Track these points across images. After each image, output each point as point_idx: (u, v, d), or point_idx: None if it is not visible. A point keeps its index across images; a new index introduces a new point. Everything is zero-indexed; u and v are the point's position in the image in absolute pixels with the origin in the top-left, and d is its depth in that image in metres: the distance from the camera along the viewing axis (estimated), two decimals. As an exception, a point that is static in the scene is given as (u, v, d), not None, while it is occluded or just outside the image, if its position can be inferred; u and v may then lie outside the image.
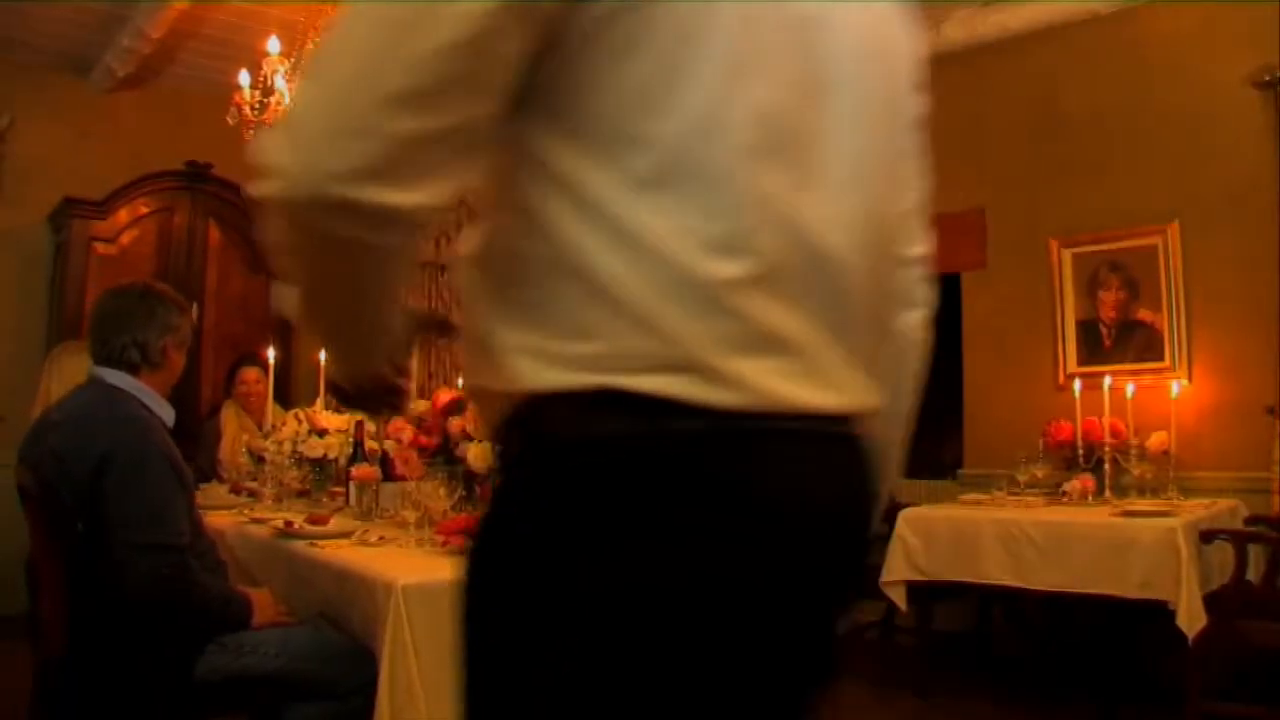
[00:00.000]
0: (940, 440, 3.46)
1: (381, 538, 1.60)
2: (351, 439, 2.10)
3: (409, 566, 1.34)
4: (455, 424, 1.69)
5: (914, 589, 2.36)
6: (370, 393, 0.64)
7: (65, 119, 3.44)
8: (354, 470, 1.95)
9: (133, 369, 1.45)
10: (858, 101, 0.56)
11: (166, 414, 1.47)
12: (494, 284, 0.51)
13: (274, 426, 2.26)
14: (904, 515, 2.38)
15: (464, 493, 1.62)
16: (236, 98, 2.54)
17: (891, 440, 0.70)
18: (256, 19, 3.13)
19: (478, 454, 1.63)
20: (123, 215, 3.32)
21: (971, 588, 2.35)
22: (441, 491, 1.58)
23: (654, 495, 0.48)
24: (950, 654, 2.68)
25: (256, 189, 0.45)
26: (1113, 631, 2.35)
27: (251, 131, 2.50)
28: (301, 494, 2.23)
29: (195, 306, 3.44)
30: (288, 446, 2.20)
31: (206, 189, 3.52)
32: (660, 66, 0.48)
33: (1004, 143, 2.99)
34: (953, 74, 3.10)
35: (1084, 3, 2.76)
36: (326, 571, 1.46)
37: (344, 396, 0.67)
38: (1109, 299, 2.75)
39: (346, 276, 0.50)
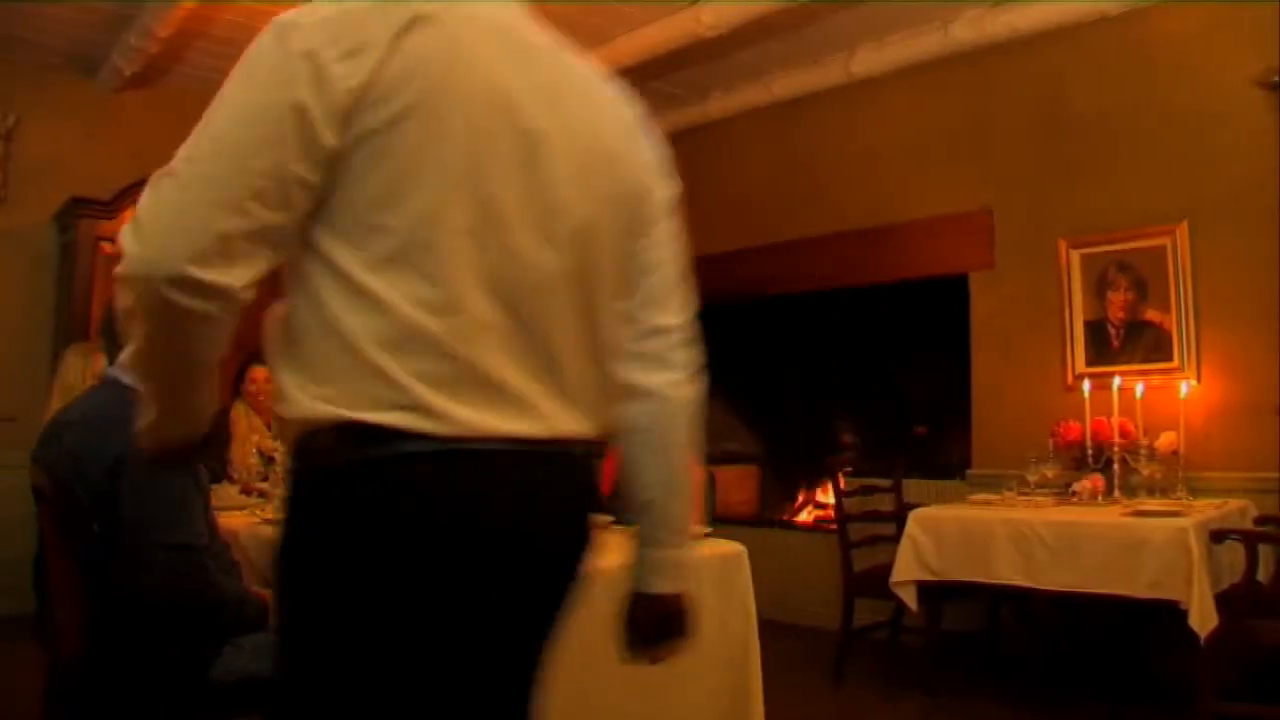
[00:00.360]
0: (946, 441, 3.47)
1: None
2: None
3: None
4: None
5: (923, 589, 2.36)
6: (175, 451, 0.80)
7: (71, 119, 3.44)
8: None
9: None
10: (575, 200, 0.73)
11: None
12: (284, 340, 0.70)
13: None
14: (914, 515, 2.38)
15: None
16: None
17: (669, 484, 0.86)
18: (265, 19, 3.10)
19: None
20: (130, 215, 3.30)
21: (982, 588, 2.35)
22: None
23: (377, 504, 0.66)
24: (959, 654, 2.68)
25: (119, 268, 0.64)
26: (1122, 632, 2.35)
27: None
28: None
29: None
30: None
31: (213, 189, 3.50)
32: (399, 172, 0.66)
33: (1012, 143, 2.99)
34: (961, 74, 3.11)
35: (1092, 3, 2.75)
36: None
37: (154, 457, 0.80)
38: (1117, 299, 2.75)
39: (178, 337, 0.67)
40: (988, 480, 2.86)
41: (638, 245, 0.81)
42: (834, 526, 3.67)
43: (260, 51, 0.68)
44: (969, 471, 3.02)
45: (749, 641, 1.68)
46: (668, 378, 0.83)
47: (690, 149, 3.92)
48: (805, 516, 3.90)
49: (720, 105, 3.71)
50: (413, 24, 0.67)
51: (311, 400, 0.67)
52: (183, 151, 0.68)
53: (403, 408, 0.65)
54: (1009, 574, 2.20)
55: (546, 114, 0.72)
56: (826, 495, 3.92)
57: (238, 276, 0.64)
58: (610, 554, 1.53)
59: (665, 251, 0.85)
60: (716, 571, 1.66)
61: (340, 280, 0.66)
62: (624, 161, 0.80)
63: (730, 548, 1.71)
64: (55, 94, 3.43)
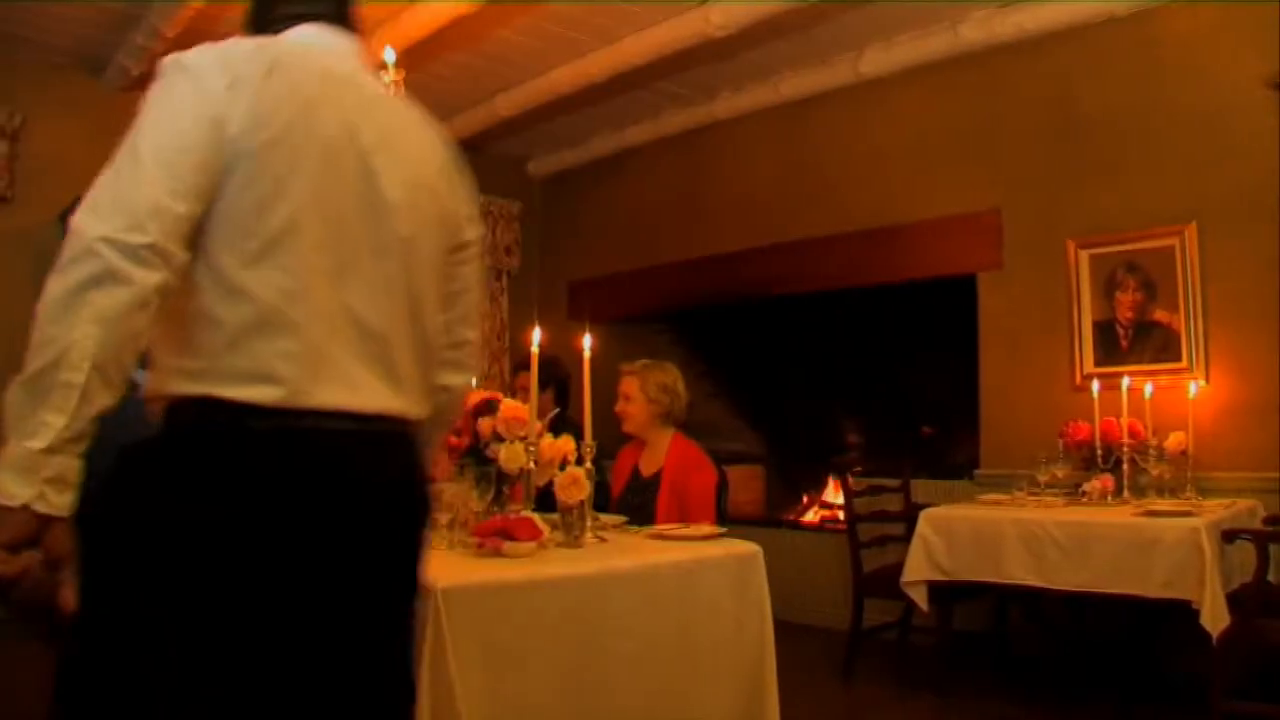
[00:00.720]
0: (953, 441, 3.47)
1: (414, 539, 1.60)
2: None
3: (446, 569, 1.33)
4: (485, 424, 1.69)
5: (933, 589, 2.36)
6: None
7: (77, 118, 3.42)
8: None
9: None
10: (404, 220, 0.91)
11: None
12: (166, 325, 0.82)
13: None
14: (925, 515, 2.38)
15: (495, 493, 1.62)
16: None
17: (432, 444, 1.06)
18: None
19: (510, 454, 1.62)
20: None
21: (992, 587, 2.36)
22: (474, 493, 1.58)
23: (228, 466, 0.80)
24: (968, 654, 2.68)
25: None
26: (1133, 631, 2.36)
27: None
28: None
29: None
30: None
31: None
32: (266, 192, 0.83)
33: (1020, 143, 2.99)
34: (969, 75, 3.11)
35: (1100, 4, 2.76)
36: None
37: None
38: (1126, 300, 2.76)
39: (108, 307, 0.76)
40: (996, 480, 2.86)
41: (454, 268, 1.00)
42: (841, 526, 3.68)
43: (169, 81, 0.85)
44: (977, 472, 3.02)
45: (765, 642, 1.67)
46: (465, 379, 1.08)
47: (697, 149, 3.94)
48: (811, 517, 3.90)
49: (727, 105, 3.71)
50: (273, 69, 0.86)
51: (181, 378, 0.82)
52: (122, 155, 0.82)
53: (261, 381, 0.81)
54: (1020, 574, 2.21)
55: (382, 150, 0.91)
56: (832, 495, 3.93)
57: (172, 255, 0.77)
58: (626, 557, 1.54)
59: (474, 277, 1.05)
60: (732, 572, 1.66)
61: (216, 275, 0.81)
62: (441, 195, 0.97)
63: (745, 548, 1.71)
64: (61, 93, 3.42)
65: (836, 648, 2.78)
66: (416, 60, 2.82)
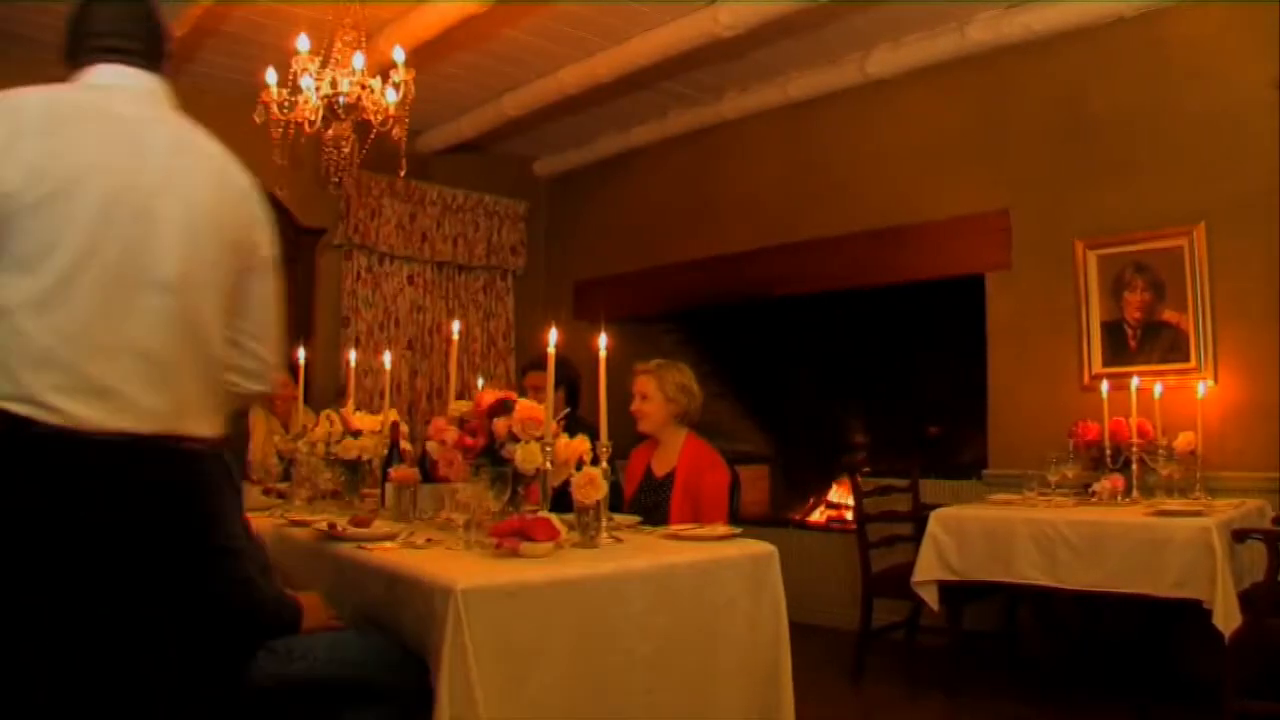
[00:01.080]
0: (960, 441, 3.47)
1: (429, 540, 1.59)
2: (387, 440, 2.09)
3: (464, 569, 1.34)
4: (501, 425, 1.68)
5: (943, 589, 2.36)
6: None
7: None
8: (392, 472, 1.95)
9: None
10: (179, 259, 1.01)
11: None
12: None
13: (305, 428, 2.25)
14: (936, 515, 2.39)
15: (510, 494, 1.61)
16: (264, 96, 2.52)
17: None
18: (280, 18, 3.11)
19: (526, 455, 1.62)
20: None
21: (1003, 587, 2.36)
22: (490, 493, 1.58)
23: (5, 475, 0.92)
24: (977, 654, 2.68)
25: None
26: (1144, 631, 2.36)
27: (281, 129, 2.49)
28: (332, 495, 2.22)
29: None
30: (320, 448, 2.19)
31: (226, 188, 3.49)
32: (43, 242, 0.94)
33: (1028, 144, 2.99)
34: (977, 75, 3.12)
35: (1108, 4, 2.76)
36: (377, 575, 1.45)
37: None
38: (1134, 300, 2.76)
39: None
40: (1004, 480, 2.87)
41: (248, 285, 1.10)
42: (848, 526, 3.68)
43: None
44: (985, 472, 3.02)
45: (780, 641, 1.67)
46: (258, 389, 1.20)
47: (704, 149, 3.94)
48: (817, 516, 3.90)
49: (734, 106, 3.71)
50: (58, 123, 0.95)
51: None
52: None
53: (27, 401, 0.92)
54: (1032, 573, 2.21)
55: (164, 193, 1.00)
56: (838, 495, 3.94)
57: None
58: (643, 557, 1.54)
59: (265, 294, 1.15)
60: (747, 572, 1.66)
61: (3, 313, 0.93)
62: (227, 226, 1.06)
63: (761, 548, 1.71)
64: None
65: (844, 648, 2.78)
66: (424, 60, 2.82)
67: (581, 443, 1.70)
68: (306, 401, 3.02)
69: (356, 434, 2.14)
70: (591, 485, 1.57)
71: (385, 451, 2.08)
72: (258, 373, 1.17)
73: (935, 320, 3.47)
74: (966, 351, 3.21)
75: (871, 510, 2.77)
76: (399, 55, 2.49)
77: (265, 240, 1.14)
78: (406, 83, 2.47)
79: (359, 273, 3.89)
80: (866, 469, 3.16)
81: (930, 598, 2.37)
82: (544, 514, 1.54)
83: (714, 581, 1.58)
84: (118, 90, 1.05)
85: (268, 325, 1.17)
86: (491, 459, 1.65)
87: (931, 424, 3.64)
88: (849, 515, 3.81)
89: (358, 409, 2.22)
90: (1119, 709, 2.28)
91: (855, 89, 3.37)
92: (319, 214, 3.83)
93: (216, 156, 1.12)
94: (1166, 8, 2.71)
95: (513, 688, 1.30)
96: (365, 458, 2.14)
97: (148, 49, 1.11)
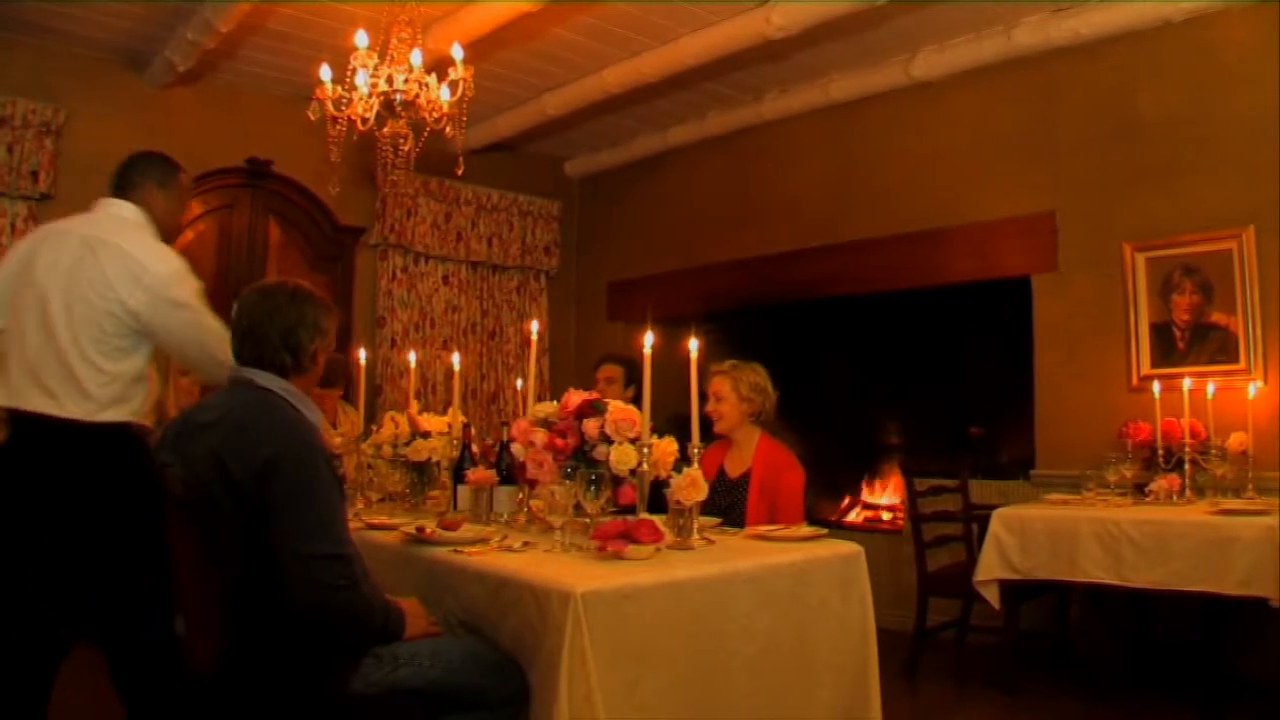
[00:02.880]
0: (1002, 442, 3.50)
1: (526, 543, 1.58)
2: (458, 441, 2.07)
3: (577, 573, 1.33)
4: (591, 426, 1.68)
5: (1000, 588, 2.38)
6: None
7: (120, 115, 3.37)
8: (469, 474, 1.93)
9: (282, 372, 1.40)
10: (59, 307, 1.62)
11: (315, 417, 1.42)
12: None
13: (372, 429, 2.23)
14: (999, 515, 2.40)
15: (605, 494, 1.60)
16: (319, 92, 2.49)
17: None
18: (326, 16, 3.08)
19: (621, 456, 1.62)
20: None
21: (1063, 586, 2.38)
22: (588, 495, 1.57)
23: None
24: (1029, 652, 2.70)
25: None
26: (1202, 629, 2.38)
27: (337, 126, 2.46)
28: (394, 497, 2.20)
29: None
30: (387, 449, 2.17)
31: (267, 186, 3.47)
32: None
33: (1075, 147, 3.02)
34: (1023, 78, 3.14)
35: (1157, 4, 2.78)
36: (480, 579, 1.43)
37: None
38: (1183, 302, 2.79)
39: None
40: (1051, 481, 2.89)
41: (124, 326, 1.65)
42: (886, 526, 3.70)
43: None
44: (1032, 472, 3.04)
45: (868, 639, 1.68)
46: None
47: (741, 150, 3.93)
48: (854, 516, 3.91)
49: (774, 107, 3.71)
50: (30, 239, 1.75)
51: None
52: None
53: None
54: (1096, 572, 2.23)
55: (50, 278, 1.63)
56: (875, 495, 3.95)
57: None
58: (746, 558, 1.53)
59: (160, 329, 1.69)
60: (837, 572, 1.67)
61: None
62: (106, 291, 1.62)
63: (849, 548, 1.72)
64: (104, 90, 3.36)
65: (892, 648, 2.76)
66: (467, 58, 2.76)
67: (670, 444, 1.70)
68: (344, 399, 3.01)
69: (425, 435, 2.13)
70: (693, 486, 1.57)
71: (454, 453, 2.07)
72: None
73: (975, 321, 3.48)
74: (1007, 353, 3.23)
75: (925, 510, 2.78)
76: (457, 53, 2.47)
77: (134, 296, 1.65)
78: (465, 80, 2.45)
79: (394, 272, 3.86)
80: (917, 471, 3.16)
81: (992, 596, 2.39)
82: (646, 516, 1.54)
83: (808, 582, 1.59)
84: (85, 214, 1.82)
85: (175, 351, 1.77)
86: (585, 461, 1.64)
87: (973, 425, 3.66)
88: (886, 516, 3.83)
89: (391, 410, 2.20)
90: (1178, 708, 2.30)
91: (899, 91, 3.38)
92: (354, 213, 3.80)
93: (124, 253, 1.67)
94: (1214, 12, 2.74)
95: (626, 691, 1.29)
96: (434, 459, 2.12)
97: (114, 183, 1.81)
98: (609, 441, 1.65)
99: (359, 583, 1.31)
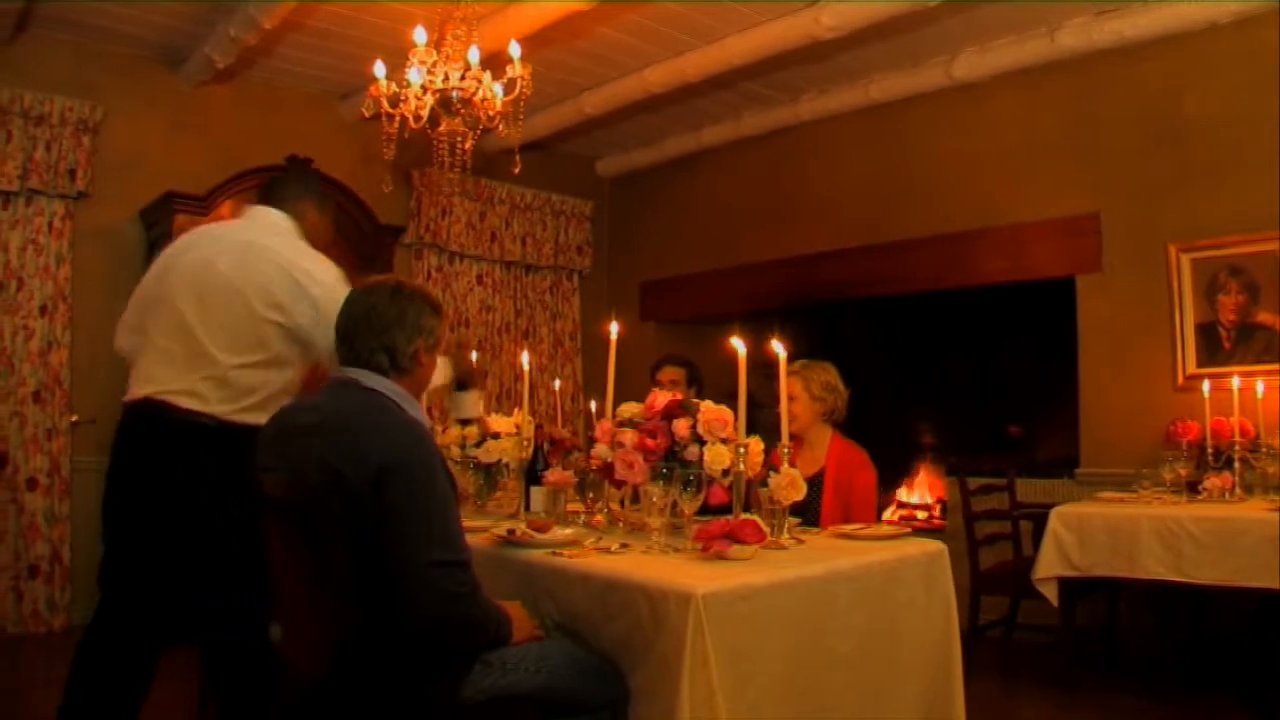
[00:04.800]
0: (1042, 441, 3.52)
1: (624, 545, 1.57)
2: (530, 442, 2.06)
3: (690, 574, 1.33)
4: (682, 426, 1.67)
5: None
6: None
7: (157, 113, 3.33)
8: (548, 475, 1.92)
9: (381, 372, 1.37)
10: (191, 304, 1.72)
11: (423, 420, 1.40)
12: None
13: (436, 430, 2.21)
14: (1057, 513, 2.42)
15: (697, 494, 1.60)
16: (373, 90, 2.47)
17: None
18: (370, 14, 3.06)
19: (715, 456, 1.61)
20: (225, 210, 3.21)
21: (1118, 583, 2.40)
22: (685, 496, 1.56)
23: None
24: (1078, 650, 2.72)
25: None
26: (1257, 627, 2.41)
27: (393, 123, 2.43)
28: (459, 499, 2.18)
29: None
30: (455, 451, 2.15)
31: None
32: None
33: (1119, 148, 3.04)
34: (1066, 80, 3.16)
35: (1202, 5, 2.80)
36: (583, 582, 1.42)
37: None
38: (1228, 303, 2.83)
39: None
40: (1097, 479, 2.92)
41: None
42: (922, 525, 3.71)
43: None
44: (1078, 470, 3.07)
45: (951, 635, 1.69)
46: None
47: (778, 150, 3.94)
48: (889, 515, 3.93)
49: (811, 107, 3.72)
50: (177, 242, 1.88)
51: None
52: None
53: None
54: (1157, 569, 2.25)
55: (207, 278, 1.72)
56: (910, 495, 3.97)
57: None
58: (843, 557, 1.54)
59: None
60: (923, 569, 1.68)
61: None
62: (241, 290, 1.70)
63: (934, 546, 1.72)
64: (142, 87, 3.32)
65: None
66: (509, 58, 2.74)
67: (759, 444, 1.70)
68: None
69: (496, 436, 2.12)
70: (793, 486, 1.57)
71: (524, 454, 2.05)
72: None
73: (1012, 321, 3.51)
74: (1046, 352, 3.25)
75: (975, 509, 2.80)
76: (515, 50, 2.46)
77: (276, 303, 1.73)
78: (523, 78, 2.44)
79: (429, 272, 3.84)
80: (960, 468, 3.17)
81: (1051, 594, 2.41)
82: (749, 516, 1.54)
83: (899, 580, 1.60)
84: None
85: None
86: (679, 462, 1.63)
87: (1012, 424, 3.69)
88: (921, 515, 3.86)
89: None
90: (1234, 707, 2.32)
91: (940, 92, 3.40)
92: (389, 212, 3.77)
93: (255, 246, 1.75)
94: (1261, 13, 2.77)
95: (739, 691, 1.29)
96: (505, 460, 2.11)
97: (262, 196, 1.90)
98: (700, 442, 1.65)
99: (477, 589, 1.29)
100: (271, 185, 1.85)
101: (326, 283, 1.66)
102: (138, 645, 1.58)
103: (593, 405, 2.36)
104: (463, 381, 2.06)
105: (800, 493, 1.57)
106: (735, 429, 1.61)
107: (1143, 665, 2.68)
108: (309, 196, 1.81)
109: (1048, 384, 3.28)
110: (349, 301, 1.43)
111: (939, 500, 3.84)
